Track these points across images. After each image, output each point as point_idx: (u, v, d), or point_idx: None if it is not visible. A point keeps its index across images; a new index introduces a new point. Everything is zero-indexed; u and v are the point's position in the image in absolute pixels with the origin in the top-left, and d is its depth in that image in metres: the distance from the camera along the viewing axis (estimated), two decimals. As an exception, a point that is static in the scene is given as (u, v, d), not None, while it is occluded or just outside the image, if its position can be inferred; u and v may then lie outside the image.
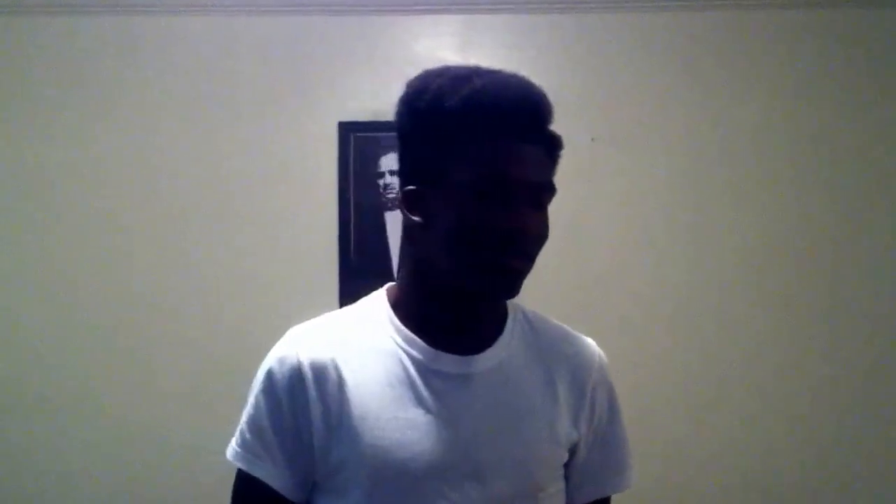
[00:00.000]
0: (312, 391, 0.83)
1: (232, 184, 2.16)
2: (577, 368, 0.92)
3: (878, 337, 2.13)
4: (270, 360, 0.87)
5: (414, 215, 0.85)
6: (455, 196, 0.81)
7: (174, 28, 2.20)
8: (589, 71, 2.18)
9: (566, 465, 0.92)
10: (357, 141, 2.13)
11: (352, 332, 0.88)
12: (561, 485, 0.91)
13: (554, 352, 0.92)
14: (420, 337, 0.86)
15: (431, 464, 0.81)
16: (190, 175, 2.17)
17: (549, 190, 0.83)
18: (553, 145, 0.85)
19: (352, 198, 2.11)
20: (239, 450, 0.87)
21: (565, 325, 0.97)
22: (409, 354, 0.85)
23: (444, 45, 2.20)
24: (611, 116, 2.17)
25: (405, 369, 0.85)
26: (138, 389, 2.12)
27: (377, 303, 0.91)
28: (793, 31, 2.17)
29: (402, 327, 0.87)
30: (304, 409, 0.83)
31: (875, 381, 2.13)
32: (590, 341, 0.97)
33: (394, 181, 2.12)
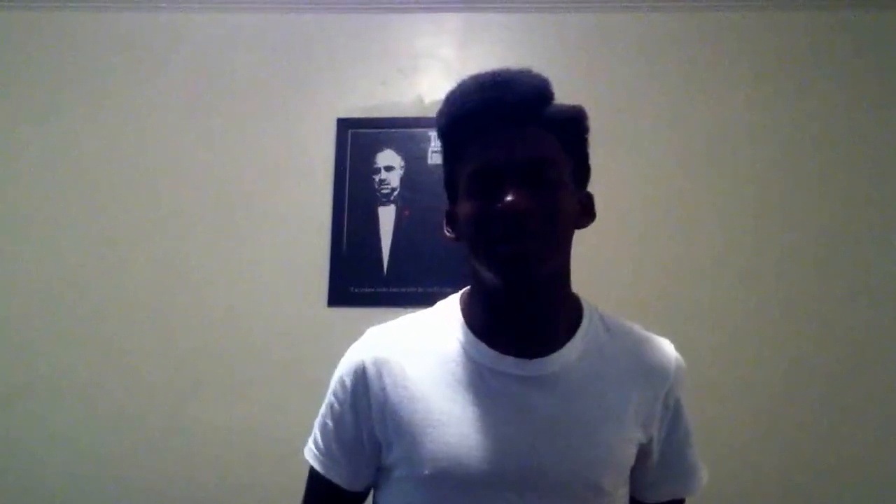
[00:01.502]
0: (375, 389, 0.87)
1: (229, 179, 2.17)
2: (652, 373, 0.91)
3: (876, 337, 2.12)
4: (342, 362, 0.93)
5: (451, 234, 0.92)
6: (463, 202, 0.86)
7: (171, 24, 2.22)
8: (588, 71, 2.17)
9: (637, 467, 0.92)
10: (354, 137, 2.13)
11: (421, 333, 0.91)
12: (626, 489, 0.92)
13: (629, 355, 0.91)
14: (486, 340, 0.88)
15: (487, 467, 0.82)
16: (187, 170, 2.17)
17: (546, 164, 0.83)
18: (553, 121, 0.85)
19: (347, 193, 2.11)
20: (313, 450, 0.94)
21: (643, 329, 0.97)
22: (471, 357, 0.87)
23: (443, 43, 2.20)
24: (609, 116, 2.17)
25: (468, 371, 0.86)
26: (130, 382, 2.12)
27: (450, 306, 0.94)
28: (794, 33, 2.16)
29: (468, 330, 0.89)
30: (367, 408, 0.88)
31: (874, 382, 2.12)
32: (669, 346, 0.96)
33: (389, 177, 2.11)
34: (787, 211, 2.14)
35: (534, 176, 0.82)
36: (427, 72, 2.20)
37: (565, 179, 0.85)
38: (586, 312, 0.93)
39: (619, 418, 0.87)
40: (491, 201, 0.81)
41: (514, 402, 0.84)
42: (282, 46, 2.21)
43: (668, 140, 2.16)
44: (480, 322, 0.89)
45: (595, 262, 2.14)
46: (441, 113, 0.88)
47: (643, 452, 0.92)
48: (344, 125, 2.14)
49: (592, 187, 2.09)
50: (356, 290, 2.04)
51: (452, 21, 2.21)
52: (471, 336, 0.88)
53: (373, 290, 2.03)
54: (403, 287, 2.02)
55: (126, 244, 2.15)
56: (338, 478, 0.91)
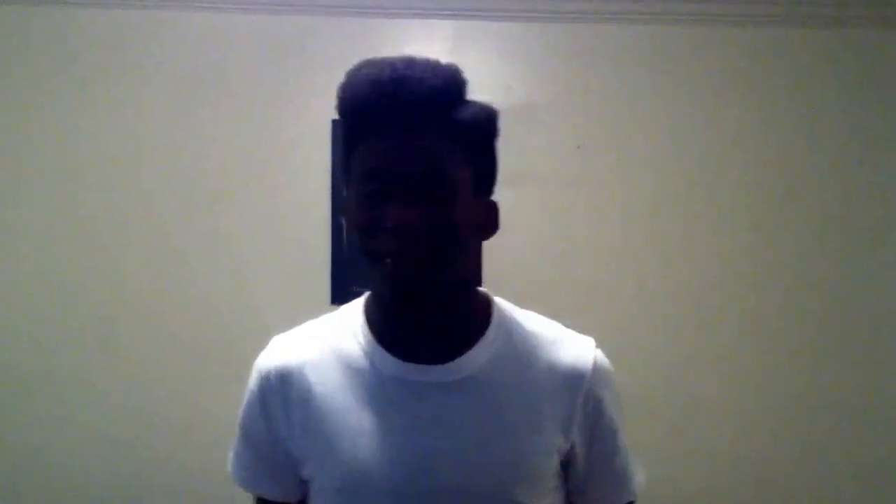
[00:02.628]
0: (279, 400, 0.84)
1: (226, 180, 2.19)
2: (567, 374, 0.85)
3: (874, 339, 2.20)
4: (251, 375, 0.88)
5: (345, 224, 0.86)
6: (352, 199, 0.80)
7: (169, 24, 2.23)
8: (575, 79, 2.24)
9: (566, 476, 0.87)
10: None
11: (327, 340, 0.86)
12: (550, 498, 0.86)
13: (542, 357, 0.85)
14: (386, 344, 0.82)
15: (392, 479, 0.79)
16: (184, 172, 2.19)
17: (440, 178, 0.76)
18: (456, 128, 0.78)
19: (345, 193, 2.14)
20: (233, 466, 0.91)
21: (561, 326, 0.90)
22: (375, 365, 0.82)
23: (434, 50, 2.19)
24: (596, 124, 2.22)
25: (374, 380, 0.82)
26: (131, 381, 2.14)
27: (354, 311, 0.88)
28: (776, 46, 2.25)
29: (369, 335, 0.84)
30: (276, 419, 0.84)
31: (872, 382, 2.19)
32: (586, 345, 0.89)
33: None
34: (784, 218, 2.22)
35: (427, 187, 0.75)
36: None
37: (461, 191, 0.78)
38: (496, 313, 0.87)
39: (536, 424, 0.82)
40: (378, 210, 0.76)
41: (422, 412, 0.80)
42: (277, 48, 2.24)
43: (652, 148, 2.23)
44: (381, 328, 0.84)
45: (581, 267, 2.18)
46: (339, 95, 0.80)
47: (568, 460, 0.86)
48: (339, 127, 2.17)
49: (574, 193, 2.17)
50: (359, 289, 2.07)
51: (443, 28, 2.26)
52: (373, 343, 0.83)
53: (375, 287, 2.07)
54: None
55: (125, 245, 2.17)
56: (269, 493, 0.88)
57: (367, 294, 0.89)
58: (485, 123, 0.82)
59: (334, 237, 2.14)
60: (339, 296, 2.09)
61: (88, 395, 2.14)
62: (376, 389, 0.82)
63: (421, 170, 0.76)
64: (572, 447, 0.85)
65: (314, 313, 2.22)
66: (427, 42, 2.24)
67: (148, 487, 2.11)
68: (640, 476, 0.93)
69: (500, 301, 0.89)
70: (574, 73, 2.24)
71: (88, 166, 2.18)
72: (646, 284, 2.19)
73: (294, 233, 2.17)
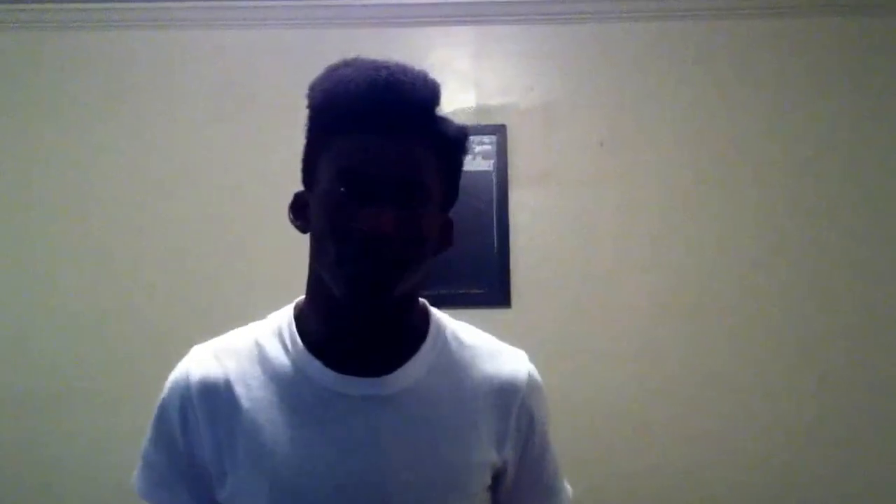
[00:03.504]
0: (200, 414, 0.79)
1: (242, 188, 2.22)
2: (502, 388, 0.84)
3: (877, 337, 2.18)
4: (167, 385, 0.84)
5: (297, 221, 0.83)
6: (319, 196, 0.77)
7: (196, 41, 2.28)
8: (598, 78, 2.25)
9: (495, 490, 0.86)
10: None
11: (252, 350, 0.82)
12: None
13: (478, 371, 0.84)
14: (321, 355, 0.79)
15: (323, 497, 0.75)
16: (200, 180, 2.23)
17: (418, 188, 0.75)
18: (437, 141, 0.77)
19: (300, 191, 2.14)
20: (139, 480, 0.84)
21: (496, 341, 0.89)
22: (307, 376, 0.79)
23: (457, 56, 2.27)
24: (619, 122, 2.23)
25: (303, 392, 0.78)
26: (138, 388, 2.15)
27: (282, 318, 0.85)
28: (798, 38, 2.23)
29: (301, 345, 0.80)
30: (195, 435, 0.79)
31: (871, 382, 2.17)
32: (520, 358, 0.88)
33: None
34: (796, 214, 2.20)
35: (404, 198, 0.74)
36: (442, 84, 2.27)
37: (433, 203, 0.78)
38: (433, 326, 0.85)
39: (468, 439, 0.81)
40: (351, 213, 0.73)
41: (356, 426, 0.77)
42: (302, 61, 2.26)
43: (674, 145, 2.23)
44: (317, 336, 0.80)
45: (602, 264, 2.19)
46: (317, 87, 0.78)
47: (499, 475, 0.85)
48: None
49: (597, 190, 2.17)
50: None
51: (466, 34, 2.28)
52: (305, 353, 0.80)
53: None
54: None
55: (139, 255, 2.21)
56: None
57: (297, 301, 0.87)
58: (462, 140, 0.81)
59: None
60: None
61: (97, 404, 2.17)
62: (308, 403, 0.78)
63: (402, 175, 0.74)
64: (504, 463, 0.84)
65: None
66: (450, 48, 2.26)
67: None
68: (567, 490, 0.93)
69: (436, 312, 0.88)
70: (595, 72, 2.25)
71: (113, 184, 2.23)
72: (669, 281, 2.19)
73: (307, 238, 2.18)
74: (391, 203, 0.73)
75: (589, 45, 2.26)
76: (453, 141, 0.80)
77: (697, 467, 2.14)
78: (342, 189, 0.74)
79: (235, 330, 0.88)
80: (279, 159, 2.23)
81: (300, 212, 0.83)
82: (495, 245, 2.15)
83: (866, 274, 2.18)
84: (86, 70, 2.26)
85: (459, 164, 0.82)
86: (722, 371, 2.17)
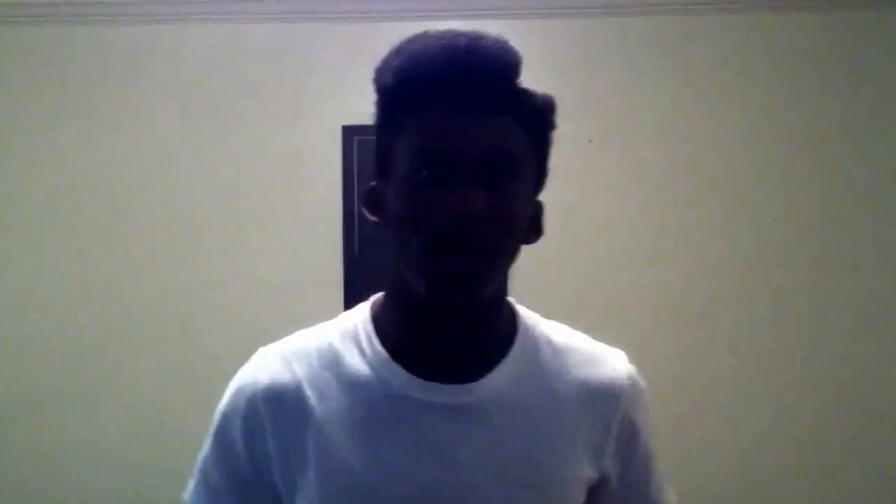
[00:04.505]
0: (268, 424, 0.71)
1: (239, 188, 2.21)
2: (601, 395, 0.76)
3: (872, 336, 2.17)
4: (228, 393, 0.76)
5: (373, 215, 0.74)
6: (397, 183, 0.69)
7: (178, 36, 2.25)
8: (586, 74, 2.23)
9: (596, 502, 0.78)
10: (360, 144, 2.18)
11: (324, 353, 0.74)
12: None
13: (573, 376, 0.75)
14: (402, 360, 0.71)
15: None
16: (196, 181, 2.21)
17: (510, 166, 0.67)
18: (525, 113, 0.69)
19: (356, 198, 2.16)
20: (193, 498, 0.76)
21: (592, 341, 0.81)
22: (385, 382, 0.71)
23: None
24: (607, 118, 2.22)
25: (381, 400, 0.70)
26: (142, 388, 2.16)
27: (358, 318, 0.76)
28: (785, 34, 2.22)
29: (380, 348, 0.72)
30: (261, 447, 0.71)
31: (869, 382, 2.16)
32: (620, 360, 0.80)
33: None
34: (785, 212, 2.20)
35: (495, 176, 0.66)
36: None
37: (527, 186, 0.70)
38: (522, 327, 0.76)
39: (562, 454, 0.73)
40: (436, 197, 0.65)
41: (439, 438, 0.69)
42: (287, 56, 2.26)
43: (662, 141, 2.21)
44: (397, 339, 0.72)
45: (590, 261, 2.18)
46: (387, 65, 0.70)
47: (596, 491, 0.77)
48: (349, 132, 2.19)
49: (585, 187, 2.16)
50: (372, 293, 2.08)
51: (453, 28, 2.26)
52: (385, 357, 0.71)
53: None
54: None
55: (138, 254, 2.19)
56: None
57: (374, 299, 0.78)
58: (549, 112, 0.72)
59: (346, 244, 2.15)
60: (353, 303, 2.07)
61: (99, 405, 2.16)
62: (386, 412, 0.70)
63: (491, 151, 0.66)
64: (602, 478, 0.76)
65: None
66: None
67: (160, 496, 2.13)
68: (673, 501, 0.85)
69: (524, 311, 0.79)
70: (584, 69, 2.23)
71: (102, 176, 2.21)
72: (660, 277, 2.18)
73: (306, 240, 2.18)
74: (478, 184, 0.65)
75: (578, 42, 2.24)
76: (542, 113, 0.71)
77: (697, 469, 2.12)
78: (424, 172, 0.66)
79: (304, 330, 0.78)
80: (261, 155, 2.21)
81: (375, 205, 0.74)
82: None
83: (864, 267, 2.18)
84: (60, 65, 2.23)
85: (548, 140, 0.73)
86: (717, 369, 2.17)
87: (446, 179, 0.65)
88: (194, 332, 2.16)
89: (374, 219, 0.74)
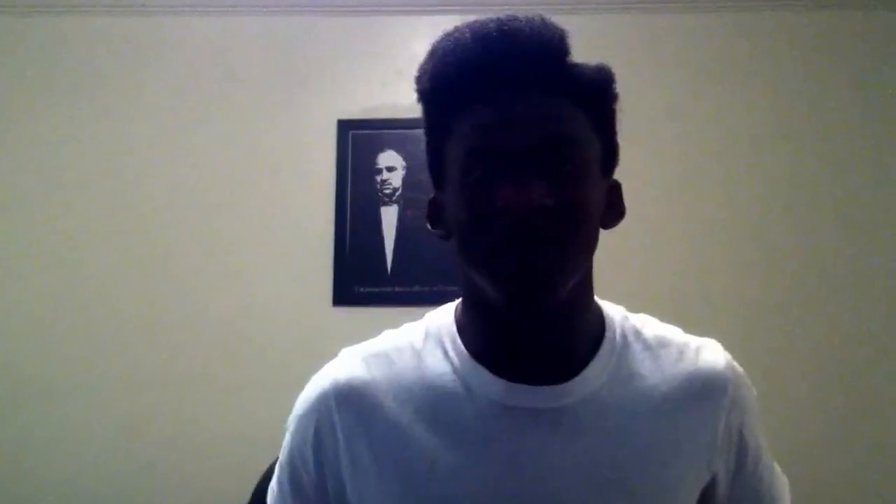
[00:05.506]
0: (346, 433, 0.67)
1: (231, 181, 2.18)
2: (702, 390, 0.70)
3: (875, 339, 2.15)
4: (305, 393, 0.73)
5: (436, 228, 0.71)
6: (452, 191, 0.65)
7: (171, 27, 2.22)
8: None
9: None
10: (355, 138, 2.16)
11: (407, 355, 0.70)
12: None
13: (669, 373, 0.70)
14: (486, 363, 0.67)
15: None
16: (188, 173, 2.18)
17: (568, 146, 0.62)
18: (577, 88, 0.65)
19: (349, 193, 2.13)
20: (271, 494, 0.75)
21: (682, 333, 0.77)
22: (468, 387, 0.66)
23: None
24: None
25: (464, 405, 0.66)
26: (133, 384, 2.13)
27: (442, 320, 0.73)
28: (796, 34, 2.20)
29: (464, 350, 0.68)
30: (335, 458, 0.68)
31: (870, 381, 2.15)
32: (716, 349, 0.75)
33: (391, 177, 2.14)
34: (793, 207, 2.17)
35: (553, 162, 0.61)
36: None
37: (593, 166, 0.65)
38: (609, 323, 0.72)
39: (664, 458, 0.66)
40: (492, 194, 0.60)
41: (527, 445, 0.64)
42: (282, 49, 2.23)
43: (670, 140, 2.19)
44: (480, 342, 0.68)
45: (597, 260, 2.15)
46: (424, 71, 0.66)
47: (705, 493, 0.71)
48: (345, 126, 2.16)
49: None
50: (361, 290, 2.07)
51: (450, 23, 2.22)
52: (469, 359, 0.68)
53: (378, 289, 2.06)
54: (408, 286, 2.05)
55: (126, 248, 2.15)
56: None
57: (457, 302, 0.74)
58: (608, 84, 0.68)
59: (337, 238, 2.12)
60: (341, 298, 2.06)
61: (88, 400, 2.12)
62: (469, 418, 0.65)
63: (551, 135, 0.62)
64: (712, 480, 0.70)
65: (316, 316, 2.18)
66: (434, 38, 2.21)
67: (146, 495, 2.11)
68: (787, 495, 0.79)
69: (609, 306, 0.75)
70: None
71: (92, 169, 2.17)
72: (658, 277, 2.16)
73: (297, 234, 2.16)
74: (539, 172, 0.60)
75: (575, 38, 2.21)
76: (596, 85, 0.67)
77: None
78: (478, 172, 0.61)
79: (390, 331, 0.75)
80: (256, 148, 2.18)
81: (436, 218, 0.71)
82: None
83: (863, 268, 2.15)
84: (48, 57, 2.19)
85: (611, 111, 0.69)
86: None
87: (502, 174, 0.61)
88: (182, 323, 2.13)
89: (437, 232, 0.71)
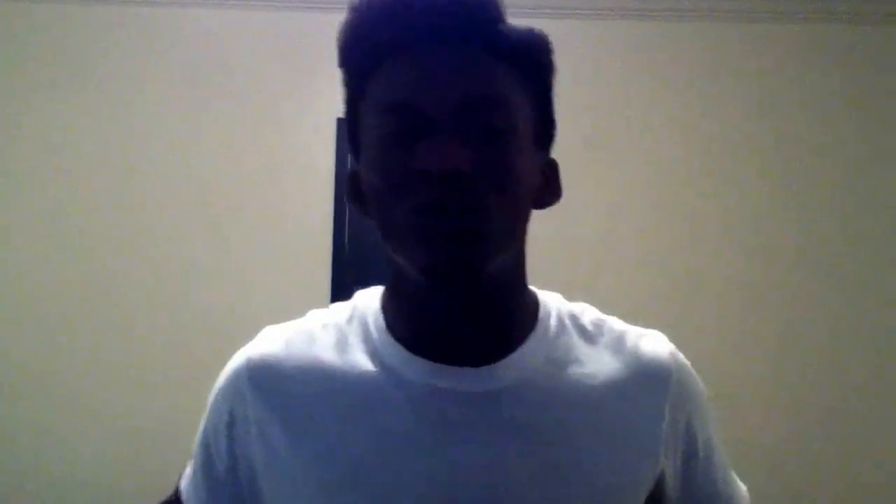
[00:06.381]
0: (253, 412, 0.62)
1: (230, 178, 2.18)
2: (646, 382, 0.65)
3: (872, 339, 2.17)
4: (224, 370, 0.67)
5: (355, 203, 0.64)
6: (367, 156, 0.59)
7: (173, 21, 2.22)
8: (582, 77, 2.22)
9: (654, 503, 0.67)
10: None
11: (330, 333, 0.65)
12: None
13: (609, 360, 0.65)
14: (412, 347, 0.62)
15: None
16: (186, 170, 2.18)
17: (498, 108, 0.56)
18: (512, 49, 0.58)
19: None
20: (185, 483, 0.69)
21: (622, 322, 0.71)
22: (391, 368, 0.61)
23: None
24: (604, 121, 2.21)
25: (388, 388, 0.60)
26: (130, 382, 2.13)
27: (368, 301, 0.68)
28: (777, 43, 2.23)
29: (386, 330, 0.63)
30: (246, 434, 0.63)
31: (869, 382, 2.17)
32: (659, 339, 0.70)
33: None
34: (783, 214, 2.20)
35: (478, 123, 0.55)
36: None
37: (524, 134, 0.59)
38: (543, 306, 0.66)
39: (607, 451, 0.61)
40: (409, 156, 0.54)
41: (457, 431, 0.58)
42: (281, 45, 2.23)
43: (657, 144, 2.21)
44: (403, 322, 0.63)
45: (586, 262, 2.17)
46: (340, 29, 0.61)
47: (654, 497, 0.66)
48: (344, 125, 2.16)
49: (581, 189, 2.16)
50: (359, 289, 2.07)
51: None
52: (390, 340, 0.62)
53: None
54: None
55: (125, 245, 2.15)
56: None
57: (384, 288, 0.69)
58: (545, 49, 0.62)
59: (336, 236, 2.13)
60: (340, 296, 2.05)
61: (85, 400, 2.12)
62: (393, 401, 0.60)
63: (478, 93, 0.55)
64: (661, 477, 0.65)
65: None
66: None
67: (145, 492, 2.11)
68: (742, 491, 0.74)
69: (543, 292, 0.68)
70: (579, 70, 2.22)
71: (90, 166, 2.17)
72: (654, 279, 2.18)
73: (296, 232, 2.16)
74: (464, 133, 0.54)
75: (574, 43, 2.22)
76: (532, 47, 0.60)
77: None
78: (392, 130, 0.55)
79: (316, 311, 0.69)
80: (255, 146, 2.19)
81: (357, 193, 0.63)
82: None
83: (860, 271, 2.19)
84: (47, 47, 2.19)
85: (548, 82, 0.63)
86: (712, 371, 2.16)
87: (419, 134, 0.54)
88: (179, 320, 2.14)
89: (357, 206, 0.64)
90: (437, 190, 0.53)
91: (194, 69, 2.21)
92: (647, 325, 2.25)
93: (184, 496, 0.68)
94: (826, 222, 2.20)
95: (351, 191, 0.65)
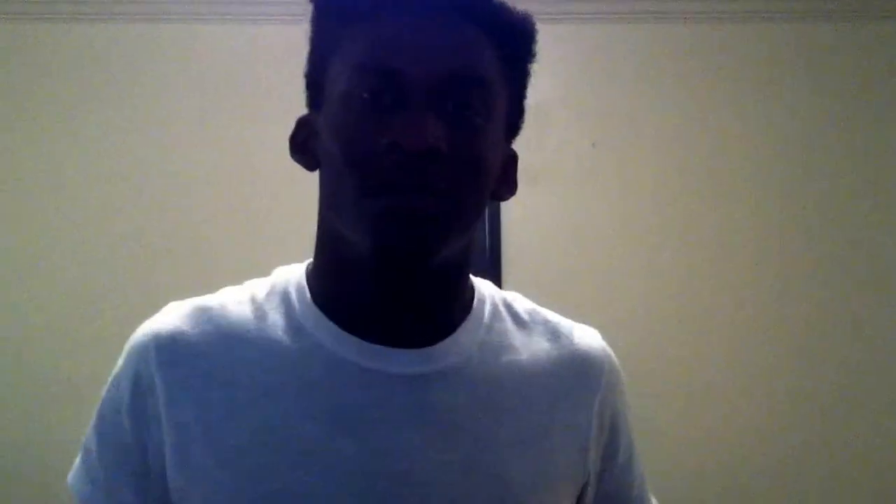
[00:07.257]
0: (161, 393, 0.56)
1: (246, 186, 2.21)
2: (579, 374, 0.63)
3: (871, 339, 2.17)
4: (124, 348, 0.62)
5: (302, 154, 0.61)
6: (331, 110, 0.55)
7: (188, 35, 2.25)
8: (590, 79, 2.24)
9: None
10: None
11: (246, 308, 0.61)
12: None
13: (542, 351, 0.63)
14: (343, 323, 0.58)
15: None
16: (203, 179, 2.21)
17: (478, 86, 0.53)
18: (497, 28, 0.55)
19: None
20: (75, 476, 0.63)
21: (557, 315, 0.69)
22: (318, 344, 0.57)
23: None
24: (611, 123, 2.22)
25: (313, 366, 0.56)
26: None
27: (291, 274, 0.64)
28: (785, 44, 2.23)
29: (312, 304, 0.59)
30: (150, 420, 0.57)
31: (869, 382, 2.17)
32: (593, 335, 0.68)
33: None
34: (788, 218, 2.20)
35: (458, 100, 0.52)
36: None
37: (498, 119, 0.56)
38: (479, 296, 0.64)
39: (540, 442, 0.59)
40: (379, 125, 0.51)
41: (387, 416, 0.55)
42: (295, 58, 2.26)
43: (665, 146, 2.22)
44: (333, 296, 0.59)
45: (595, 265, 2.18)
46: None
47: (581, 492, 0.64)
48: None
49: (589, 191, 2.17)
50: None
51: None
52: (317, 314, 0.58)
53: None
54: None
55: (140, 250, 2.18)
56: None
57: (308, 262, 0.65)
58: (529, 32, 0.59)
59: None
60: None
61: (88, 400, 2.16)
62: (317, 381, 0.56)
63: (454, 70, 0.52)
64: (587, 474, 0.63)
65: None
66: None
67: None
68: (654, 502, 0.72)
69: (478, 280, 0.67)
70: (587, 73, 2.24)
71: (106, 178, 2.21)
72: (660, 281, 2.19)
73: (298, 238, 2.18)
74: (438, 109, 0.51)
75: (582, 46, 2.25)
76: (519, 28, 0.57)
77: (692, 470, 2.13)
78: (365, 95, 0.52)
79: (230, 287, 0.66)
80: (259, 154, 2.21)
81: (305, 143, 0.60)
82: (486, 245, 2.14)
83: (861, 271, 2.18)
84: (70, 63, 2.23)
85: (525, 70, 0.60)
86: (718, 372, 2.17)
87: (394, 102, 0.51)
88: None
89: (301, 158, 0.61)
90: (408, 167, 0.50)
91: (210, 84, 2.24)
92: (653, 327, 2.29)
93: (74, 490, 0.62)
94: (841, 226, 2.20)
95: (298, 141, 0.61)
